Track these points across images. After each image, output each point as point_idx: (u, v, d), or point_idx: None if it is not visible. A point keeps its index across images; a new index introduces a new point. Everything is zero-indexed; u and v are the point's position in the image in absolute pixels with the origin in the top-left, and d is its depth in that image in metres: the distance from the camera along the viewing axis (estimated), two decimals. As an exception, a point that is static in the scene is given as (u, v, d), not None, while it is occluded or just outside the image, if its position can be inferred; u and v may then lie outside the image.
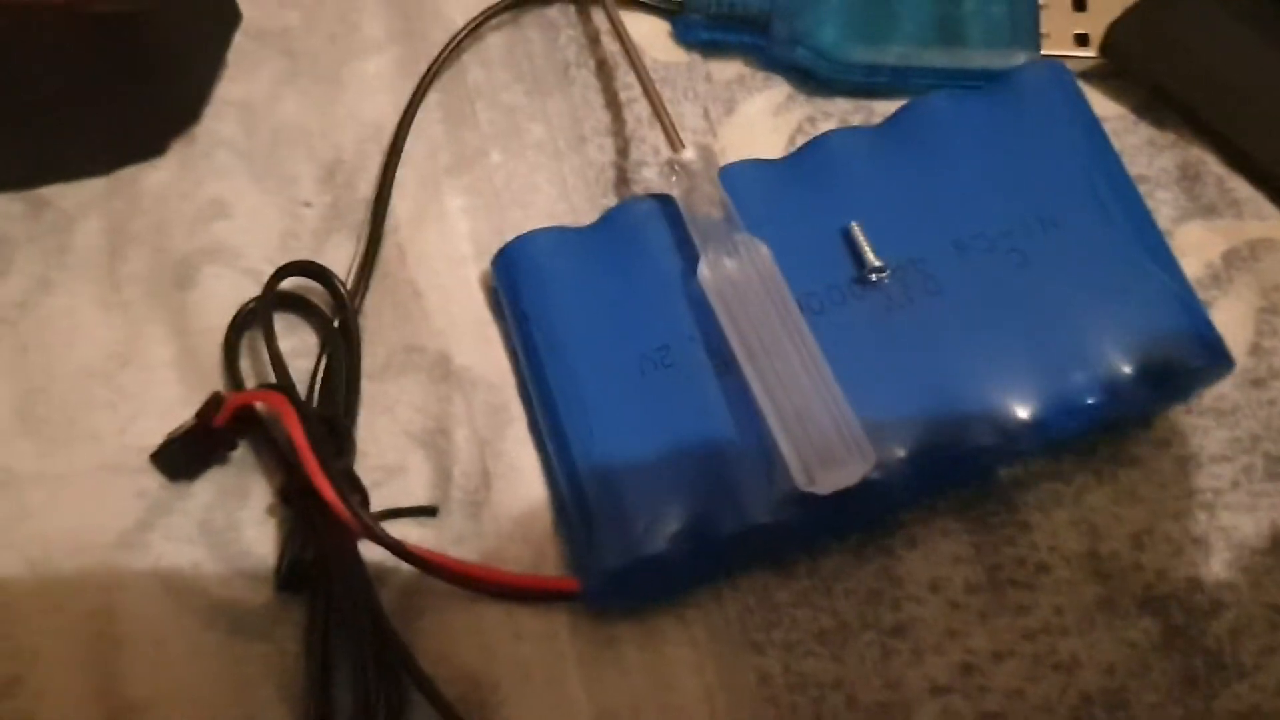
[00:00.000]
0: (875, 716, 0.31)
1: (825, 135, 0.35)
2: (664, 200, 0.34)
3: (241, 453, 0.34)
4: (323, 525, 0.31)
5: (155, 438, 0.34)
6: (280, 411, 0.31)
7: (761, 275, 0.32)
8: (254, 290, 0.35)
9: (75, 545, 0.33)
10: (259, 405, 0.33)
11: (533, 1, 0.38)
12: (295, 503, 0.32)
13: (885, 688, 0.31)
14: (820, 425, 0.30)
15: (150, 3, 0.33)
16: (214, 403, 0.33)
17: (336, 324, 0.35)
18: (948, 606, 0.32)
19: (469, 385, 0.34)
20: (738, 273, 0.32)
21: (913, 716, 0.31)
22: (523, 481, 0.33)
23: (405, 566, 0.31)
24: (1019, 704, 0.31)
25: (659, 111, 0.35)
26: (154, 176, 0.37)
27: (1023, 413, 0.32)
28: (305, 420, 0.31)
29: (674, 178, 0.34)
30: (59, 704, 0.32)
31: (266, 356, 0.34)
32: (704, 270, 0.32)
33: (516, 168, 0.37)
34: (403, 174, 0.37)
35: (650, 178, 0.37)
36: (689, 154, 0.34)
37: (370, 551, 0.31)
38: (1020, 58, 0.37)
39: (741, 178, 0.34)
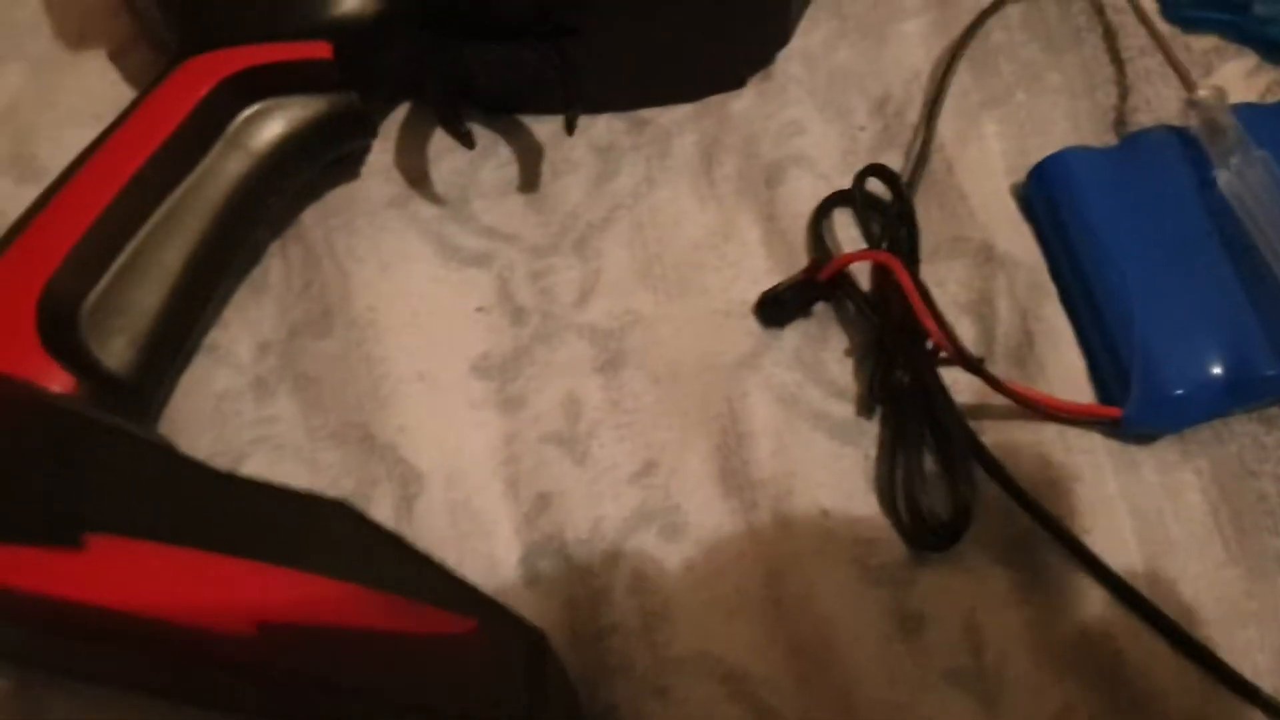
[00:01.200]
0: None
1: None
2: (1174, 130, 0.43)
3: (820, 309, 0.43)
4: (915, 356, 0.40)
5: (751, 294, 0.44)
6: (891, 267, 0.40)
7: (1275, 179, 0.40)
8: (827, 190, 0.45)
9: (699, 367, 0.43)
10: (851, 267, 0.42)
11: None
12: (890, 340, 0.41)
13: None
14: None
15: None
16: (821, 260, 0.42)
17: (899, 215, 0.43)
18: None
19: (1010, 266, 0.43)
20: (1257, 177, 0.40)
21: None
22: (1060, 340, 0.42)
23: (968, 396, 0.40)
24: None
25: (1173, 60, 0.43)
26: (737, 104, 0.47)
27: None
28: (912, 273, 0.40)
29: (1191, 110, 0.42)
30: (688, 481, 0.41)
31: (837, 240, 0.44)
32: (1225, 176, 0.41)
33: (1036, 106, 0.46)
34: (942, 108, 0.46)
35: (1144, 121, 0.45)
36: (1204, 91, 0.42)
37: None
38: None
39: (1239, 113, 0.42)
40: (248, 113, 0.41)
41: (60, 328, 0.38)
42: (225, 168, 0.41)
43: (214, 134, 0.41)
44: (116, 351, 0.38)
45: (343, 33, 0.41)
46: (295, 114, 0.42)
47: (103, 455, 0.35)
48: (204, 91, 0.41)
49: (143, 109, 0.41)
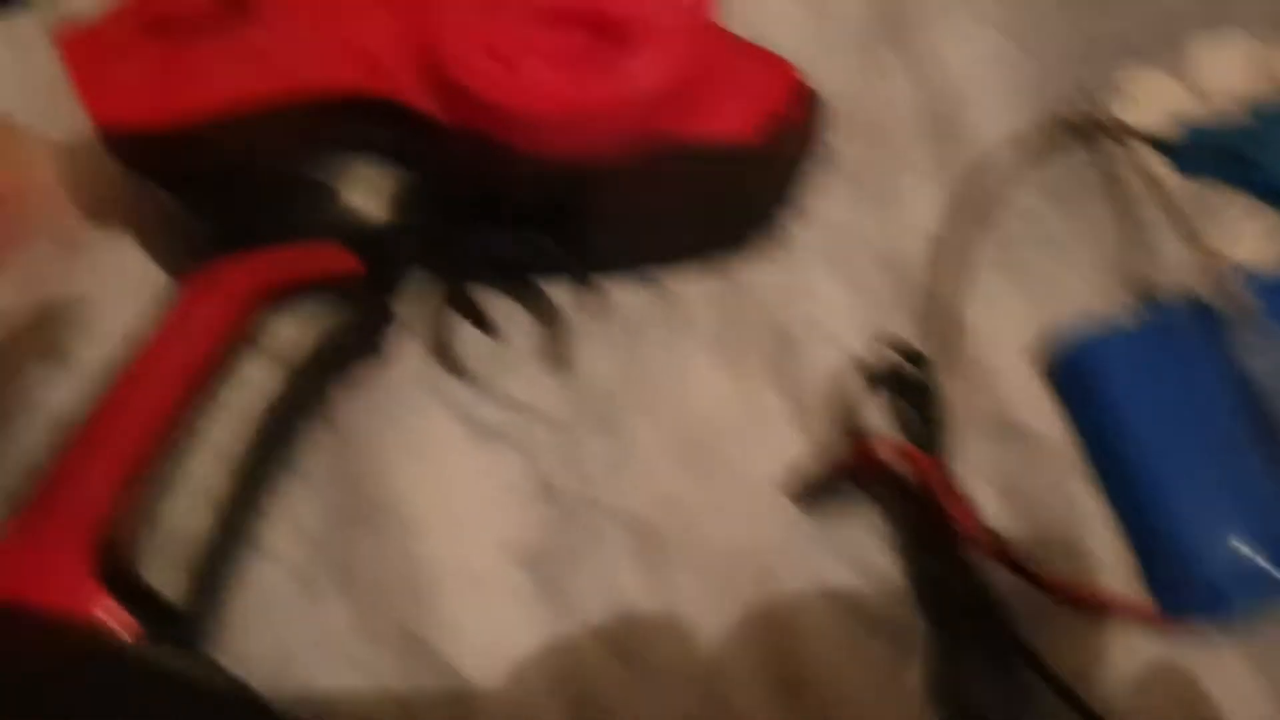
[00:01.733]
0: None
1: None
2: (1196, 302, 0.44)
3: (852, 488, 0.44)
4: (955, 555, 0.41)
5: (777, 469, 0.44)
6: (925, 470, 0.41)
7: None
8: (842, 356, 0.45)
9: (738, 557, 0.43)
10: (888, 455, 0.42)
11: (1061, 139, 0.48)
12: (928, 537, 0.41)
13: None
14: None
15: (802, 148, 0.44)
16: (852, 446, 0.42)
17: (927, 392, 0.44)
18: None
19: (1035, 443, 0.44)
20: (1275, 354, 0.41)
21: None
22: (1093, 521, 0.42)
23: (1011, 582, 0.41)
24: None
25: (1186, 229, 0.44)
26: (752, 270, 0.47)
27: None
28: (949, 478, 0.40)
29: (1211, 283, 0.43)
30: (750, 694, 0.41)
31: (862, 415, 0.44)
32: (1246, 354, 0.41)
33: (1048, 267, 0.46)
34: (955, 272, 0.46)
35: (1162, 282, 0.46)
36: (1221, 268, 0.43)
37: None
38: None
39: (1260, 286, 0.43)
40: (275, 322, 0.41)
41: (117, 566, 0.38)
42: (258, 381, 0.41)
43: (243, 348, 0.41)
44: (174, 581, 0.39)
45: (361, 239, 0.42)
46: (321, 317, 0.42)
47: (160, 707, 0.36)
48: (231, 310, 0.41)
49: (169, 329, 0.41)
